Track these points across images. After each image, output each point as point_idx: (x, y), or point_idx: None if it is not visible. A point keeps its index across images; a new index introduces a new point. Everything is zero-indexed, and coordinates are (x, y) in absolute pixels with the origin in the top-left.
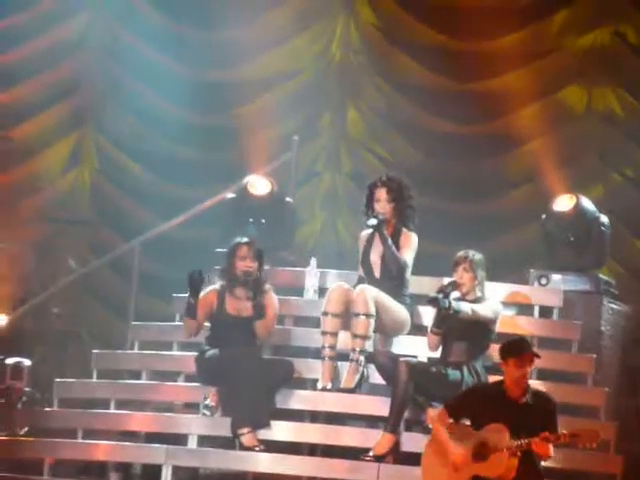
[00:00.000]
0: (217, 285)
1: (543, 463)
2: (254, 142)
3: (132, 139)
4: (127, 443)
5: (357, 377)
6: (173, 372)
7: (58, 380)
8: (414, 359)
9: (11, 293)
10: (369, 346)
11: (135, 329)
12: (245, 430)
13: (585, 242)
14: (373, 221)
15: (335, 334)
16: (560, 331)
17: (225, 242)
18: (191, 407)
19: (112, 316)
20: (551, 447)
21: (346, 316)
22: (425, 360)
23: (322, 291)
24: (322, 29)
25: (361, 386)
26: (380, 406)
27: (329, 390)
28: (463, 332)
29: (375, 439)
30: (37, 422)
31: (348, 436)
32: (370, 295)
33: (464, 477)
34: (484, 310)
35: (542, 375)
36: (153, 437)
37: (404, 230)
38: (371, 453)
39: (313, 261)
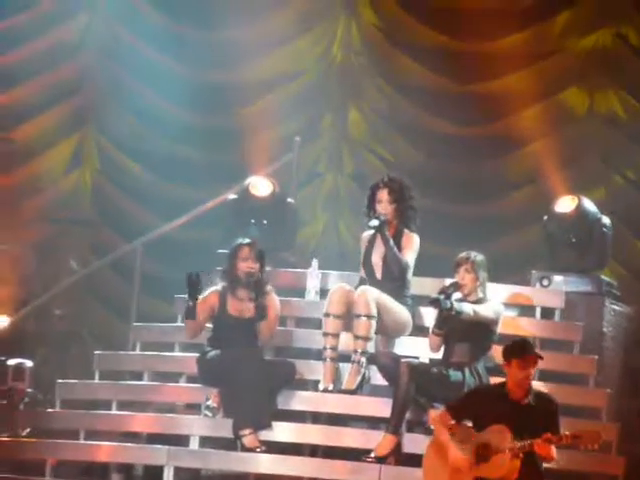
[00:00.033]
0: (219, 286)
1: (546, 465)
2: (256, 143)
3: (134, 140)
4: (129, 444)
5: (358, 378)
6: (175, 373)
7: (60, 381)
8: (415, 360)
9: (13, 294)
10: (370, 347)
11: (137, 330)
12: (247, 431)
13: (587, 243)
14: (375, 222)
15: (337, 335)
16: (562, 332)
17: (227, 243)
18: (193, 408)
19: (114, 317)
20: (554, 449)
21: (348, 317)
22: (427, 361)
23: (324, 292)
24: (324, 30)
25: (362, 387)
26: (381, 407)
27: (330, 391)
28: (465, 333)
29: (376, 440)
30: (39, 423)
31: (349, 437)
32: (372, 296)
33: (466, 479)
34: (486, 311)
35: (544, 376)
36: (155, 438)
37: (406, 231)
38: (372, 454)
39: (314, 262)
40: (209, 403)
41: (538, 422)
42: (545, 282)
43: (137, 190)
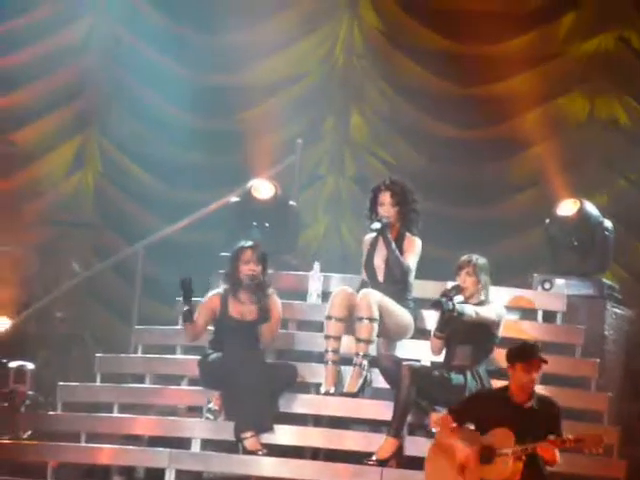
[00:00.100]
0: (220, 289)
1: (548, 468)
2: (258, 146)
3: (136, 143)
4: (130, 447)
5: (360, 381)
6: (176, 376)
7: (61, 384)
8: (417, 363)
9: (14, 297)
10: (372, 350)
11: (138, 333)
12: (248, 434)
13: (589, 247)
14: (377, 225)
15: (338, 338)
16: (563, 336)
17: (229, 246)
18: (194, 411)
19: (115, 320)
20: (557, 452)
21: (350, 320)
22: (428, 364)
23: (325, 295)
24: (326, 33)
25: (364, 390)
26: (383, 410)
27: (332, 394)
28: (466, 335)
29: (378, 443)
30: (40, 426)
31: (351, 440)
32: (374, 299)
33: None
34: (488, 313)
35: (545, 379)
36: (156, 441)
37: (407, 234)
38: (374, 457)
39: (316, 265)
40: (211, 406)
41: (541, 425)
42: (547, 285)
43: (139, 193)
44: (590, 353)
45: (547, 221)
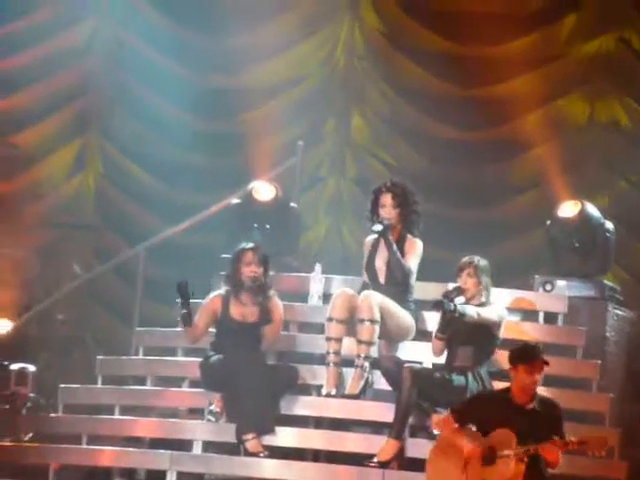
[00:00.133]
0: (222, 290)
1: (550, 470)
2: (259, 148)
3: (137, 144)
4: (132, 449)
5: (362, 383)
6: (178, 378)
7: (63, 386)
8: (418, 365)
9: (15, 299)
10: (374, 352)
11: (139, 335)
12: (250, 436)
13: (590, 248)
14: (378, 227)
15: (340, 340)
16: (565, 337)
17: (230, 248)
18: (196, 413)
19: (116, 322)
20: (560, 453)
21: (351, 322)
22: (429, 366)
23: (327, 297)
24: (327, 35)
25: (365, 392)
26: (384, 412)
27: (333, 396)
28: (468, 337)
29: (379, 445)
30: (42, 428)
31: (352, 442)
32: (375, 301)
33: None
34: (489, 313)
35: (547, 381)
36: (158, 443)
37: (409, 236)
38: (375, 459)
39: (318, 267)
40: (212, 408)
41: (542, 427)
42: (548, 287)
43: (140, 194)
44: (591, 354)
45: (548, 223)
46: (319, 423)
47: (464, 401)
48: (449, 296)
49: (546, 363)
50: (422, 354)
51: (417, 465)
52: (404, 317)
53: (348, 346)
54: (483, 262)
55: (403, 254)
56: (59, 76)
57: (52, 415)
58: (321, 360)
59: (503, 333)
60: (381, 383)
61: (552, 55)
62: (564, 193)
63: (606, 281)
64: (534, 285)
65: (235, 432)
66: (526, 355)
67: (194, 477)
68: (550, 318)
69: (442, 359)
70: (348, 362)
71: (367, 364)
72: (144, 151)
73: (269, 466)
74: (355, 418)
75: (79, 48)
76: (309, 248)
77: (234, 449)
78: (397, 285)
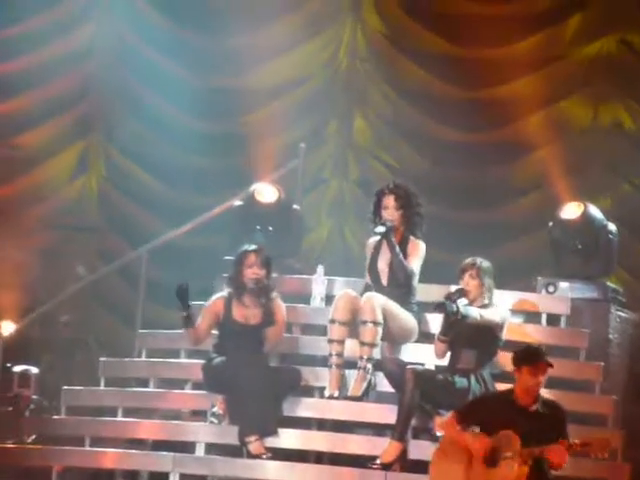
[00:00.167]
0: (224, 292)
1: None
2: (261, 150)
3: (140, 146)
4: (134, 451)
5: (364, 385)
6: (180, 380)
7: (66, 388)
8: (421, 367)
9: (18, 301)
10: (376, 354)
11: (142, 337)
12: (252, 438)
13: (593, 250)
14: (381, 228)
15: (342, 342)
16: (568, 339)
17: (233, 250)
18: (198, 415)
19: (119, 324)
20: (566, 456)
21: (353, 324)
22: (432, 368)
23: (329, 299)
24: (329, 37)
25: (368, 394)
26: (387, 414)
27: (336, 398)
28: (470, 339)
29: (382, 447)
30: (45, 430)
31: (355, 444)
32: (378, 303)
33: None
34: (492, 315)
35: (550, 383)
36: (160, 445)
37: (411, 238)
38: (378, 461)
39: (320, 269)
40: (215, 410)
41: (546, 429)
42: (551, 289)
43: (143, 197)
44: (594, 356)
45: (551, 224)
46: (322, 425)
47: (467, 403)
48: (451, 298)
49: (550, 365)
50: (425, 356)
51: (420, 467)
52: (407, 319)
53: (351, 348)
54: (485, 264)
55: (406, 256)
56: (62, 79)
57: (55, 417)
58: (324, 362)
59: (506, 335)
60: (384, 385)
61: (555, 56)
62: (567, 195)
63: (609, 283)
64: (537, 287)
65: (238, 434)
66: (530, 356)
67: (197, 479)
68: (553, 320)
69: (445, 361)
70: (351, 364)
71: (370, 366)
72: (146, 153)
73: (272, 468)
74: (358, 420)
75: (81, 51)
76: (311, 250)
77: (237, 451)
78: (399, 287)
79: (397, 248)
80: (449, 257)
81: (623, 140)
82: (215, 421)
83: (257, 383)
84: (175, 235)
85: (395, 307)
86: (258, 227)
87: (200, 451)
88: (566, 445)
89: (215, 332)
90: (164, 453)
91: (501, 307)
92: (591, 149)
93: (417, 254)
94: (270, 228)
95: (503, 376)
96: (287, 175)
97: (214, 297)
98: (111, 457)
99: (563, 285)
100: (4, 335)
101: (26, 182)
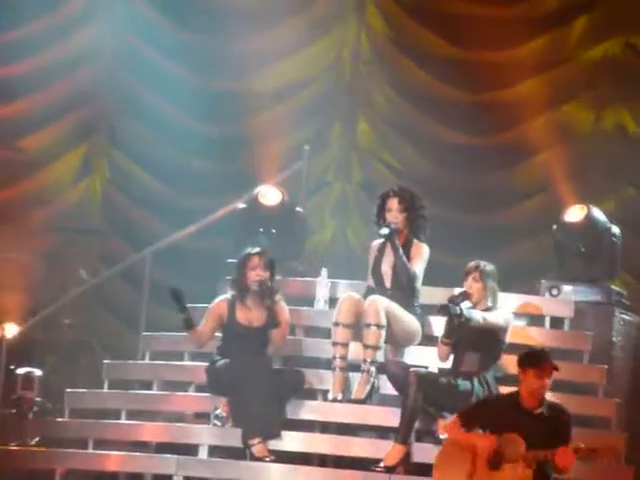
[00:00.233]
0: (228, 295)
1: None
2: (265, 152)
3: (144, 149)
4: (138, 453)
5: (368, 388)
6: (184, 382)
7: (69, 390)
8: (424, 369)
9: (22, 303)
10: (380, 357)
11: (146, 339)
12: (256, 440)
13: (596, 253)
14: (385, 230)
15: (346, 345)
16: (571, 342)
17: (236, 252)
18: (202, 417)
19: (123, 326)
20: (574, 460)
21: (357, 327)
22: (435, 371)
23: (333, 301)
24: (333, 40)
25: (372, 397)
26: (390, 417)
27: (340, 401)
28: (474, 342)
29: (386, 450)
30: (48, 432)
31: (359, 447)
32: (381, 305)
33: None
34: (495, 318)
35: (553, 386)
36: (164, 447)
37: (415, 241)
38: (382, 464)
39: (324, 271)
40: (218, 412)
41: (550, 432)
42: (554, 291)
43: (147, 199)
44: (598, 359)
45: (554, 227)
46: (325, 428)
47: (471, 405)
48: (455, 301)
49: (556, 368)
50: (428, 359)
51: (423, 470)
52: (410, 322)
53: (354, 351)
54: (489, 267)
55: (409, 258)
56: (64, 82)
57: (58, 419)
58: (327, 365)
59: (509, 338)
60: (387, 388)
61: (560, 59)
62: (570, 198)
63: (612, 286)
64: (540, 290)
65: (241, 437)
66: (536, 359)
67: None
68: (556, 323)
69: (448, 364)
70: (354, 367)
71: (373, 369)
72: (150, 156)
73: (275, 471)
74: (361, 423)
75: (83, 54)
76: (315, 252)
77: (240, 454)
78: (403, 290)
79: (401, 251)
80: (453, 260)
81: (627, 143)
82: (218, 424)
83: (260, 385)
84: (179, 237)
85: (398, 310)
86: (262, 230)
87: (203, 454)
88: (573, 449)
89: (219, 334)
90: (167, 456)
91: (505, 310)
92: (595, 152)
93: (421, 257)
94: (274, 230)
95: (506, 379)
96: (291, 178)
97: (218, 299)
98: (114, 460)
99: (567, 288)
100: (8, 337)
101: (29, 185)
